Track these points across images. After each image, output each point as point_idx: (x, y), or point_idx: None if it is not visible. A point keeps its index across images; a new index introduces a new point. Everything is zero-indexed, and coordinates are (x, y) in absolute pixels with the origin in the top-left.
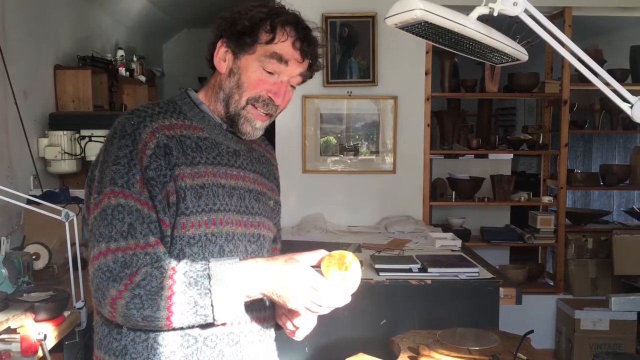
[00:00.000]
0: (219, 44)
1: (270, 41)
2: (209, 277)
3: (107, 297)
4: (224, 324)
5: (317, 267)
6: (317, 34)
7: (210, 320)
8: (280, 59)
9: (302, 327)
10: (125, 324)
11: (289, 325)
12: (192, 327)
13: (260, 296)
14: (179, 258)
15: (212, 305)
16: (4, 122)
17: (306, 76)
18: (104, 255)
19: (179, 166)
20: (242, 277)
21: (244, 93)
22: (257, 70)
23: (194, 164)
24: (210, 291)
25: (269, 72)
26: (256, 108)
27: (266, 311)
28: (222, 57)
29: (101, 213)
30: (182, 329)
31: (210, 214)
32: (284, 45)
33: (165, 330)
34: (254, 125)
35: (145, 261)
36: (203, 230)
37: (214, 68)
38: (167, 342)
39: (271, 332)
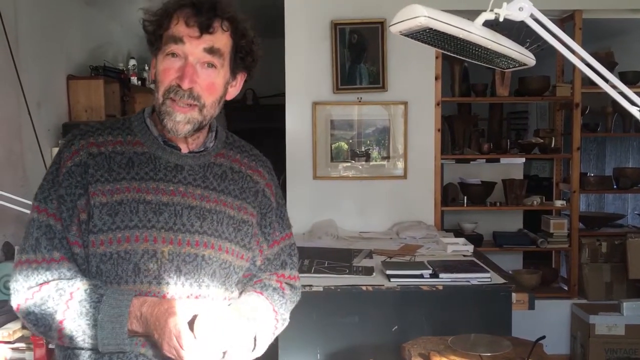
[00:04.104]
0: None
1: (167, 29)
2: (99, 311)
3: (14, 305)
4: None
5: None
6: (228, 8)
7: (97, 348)
8: (175, 39)
9: None
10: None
11: None
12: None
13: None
14: (96, 275)
15: (95, 338)
16: (17, 132)
17: (219, 50)
18: (16, 266)
19: (93, 184)
20: (127, 317)
21: (160, 89)
22: (163, 60)
23: (117, 180)
24: (97, 325)
25: (172, 56)
26: (174, 101)
27: None
28: (153, 66)
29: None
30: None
31: (125, 231)
32: (178, 26)
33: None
34: (173, 118)
35: (46, 277)
36: (115, 248)
37: None
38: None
39: None
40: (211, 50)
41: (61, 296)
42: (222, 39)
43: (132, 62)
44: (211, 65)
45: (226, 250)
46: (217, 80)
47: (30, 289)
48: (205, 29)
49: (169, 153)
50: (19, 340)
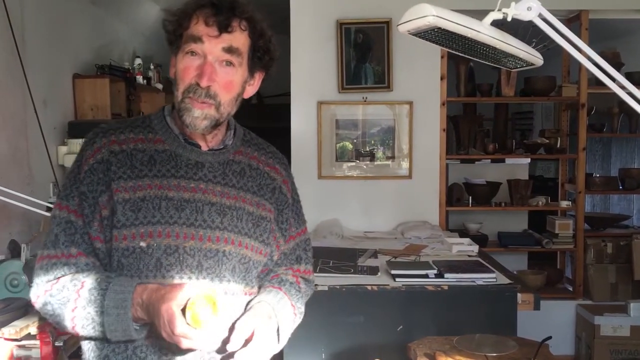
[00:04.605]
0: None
1: (187, 29)
2: (105, 298)
3: (32, 297)
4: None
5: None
6: (246, 8)
7: (106, 336)
8: (194, 38)
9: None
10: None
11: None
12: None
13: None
14: (117, 269)
15: (103, 325)
16: (23, 130)
17: (237, 49)
18: (38, 261)
19: (115, 181)
20: (130, 302)
21: (179, 87)
22: (183, 59)
23: (139, 177)
24: (103, 312)
25: (191, 55)
26: (192, 99)
27: None
28: (173, 64)
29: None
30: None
31: (147, 227)
32: (197, 25)
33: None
34: (192, 114)
35: (64, 271)
36: (137, 243)
37: None
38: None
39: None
40: (230, 50)
41: (75, 286)
42: (240, 38)
43: (138, 61)
44: (229, 63)
45: (246, 246)
46: (235, 79)
47: (49, 282)
48: (224, 28)
49: (189, 151)
50: (25, 337)
